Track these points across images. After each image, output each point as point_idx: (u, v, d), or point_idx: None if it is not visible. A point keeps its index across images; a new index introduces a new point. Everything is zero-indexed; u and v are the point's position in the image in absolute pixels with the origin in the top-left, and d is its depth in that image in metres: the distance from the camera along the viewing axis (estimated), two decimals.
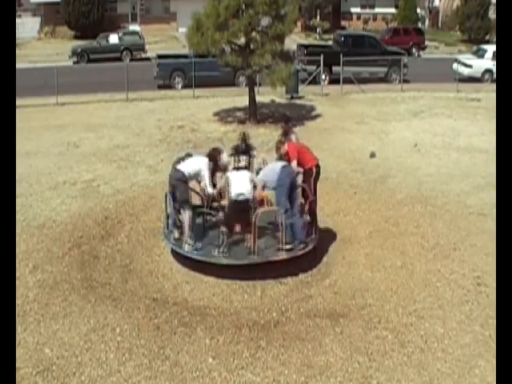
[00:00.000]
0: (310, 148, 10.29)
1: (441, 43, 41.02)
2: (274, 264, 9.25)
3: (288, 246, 9.28)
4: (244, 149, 10.77)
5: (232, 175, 9.57)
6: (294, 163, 9.65)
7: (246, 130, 17.93)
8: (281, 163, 9.57)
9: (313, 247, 9.68)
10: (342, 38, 27.54)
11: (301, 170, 9.86)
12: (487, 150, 15.19)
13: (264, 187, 9.62)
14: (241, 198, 9.24)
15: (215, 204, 10.39)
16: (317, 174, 9.95)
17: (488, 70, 26.20)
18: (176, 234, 9.73)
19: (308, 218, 9.86)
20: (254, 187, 9.49)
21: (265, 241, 9.58)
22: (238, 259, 9.24)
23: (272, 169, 9.54)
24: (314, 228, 9.91)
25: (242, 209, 9.27)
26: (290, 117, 10.43)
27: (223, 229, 9.28)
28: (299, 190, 9.99)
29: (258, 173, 9.90)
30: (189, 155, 9.91)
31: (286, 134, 10.63)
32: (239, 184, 9.33)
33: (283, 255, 9.28)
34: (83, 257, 9.70)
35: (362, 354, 7.20)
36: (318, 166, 9.95)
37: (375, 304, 8.36)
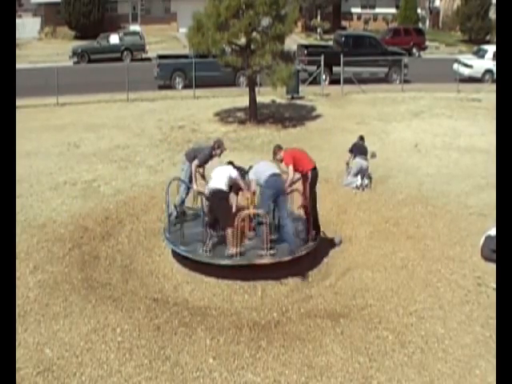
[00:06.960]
0: (306, 152, 10.21)
1: (441, 43, 40.99)
2: (275, 265, 9.25)
3: (272, 251, 9.25)
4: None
5: (214, 171, 9.70)
6: (291, 168, 9.66)
7: (247, 130, 18.10)
8: (272, 170, 9.55)
9: (306, 253, 9.60)
10: (343, 39, 27.52)
11: (298, 175, 9.89)
12: (488, 150, 15.17)
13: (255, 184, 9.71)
14: (212, 189, 9.31)
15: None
16: (313, 178, 9.88)
17: (488, 71, 26.18)
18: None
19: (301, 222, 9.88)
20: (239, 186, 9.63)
21: (251, 243, 9.61)
22: (221, 259, 9.23)
23: (263, 171, 9.56)
24: (310, 231, 9.84)
25: (218, 198, 9.26)
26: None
27: (208, 229, 9.43)
28: (296, 195, 10.09)
29: (248, 171, 9.93)
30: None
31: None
32: (215, 179, 9.44)
33: (267, 259, 9.18)
34: (84, 257, 9.71)
35: (362, 355, 7.20)
36: (315, 169, 9.89)
37: (376, 304, 8.36)
